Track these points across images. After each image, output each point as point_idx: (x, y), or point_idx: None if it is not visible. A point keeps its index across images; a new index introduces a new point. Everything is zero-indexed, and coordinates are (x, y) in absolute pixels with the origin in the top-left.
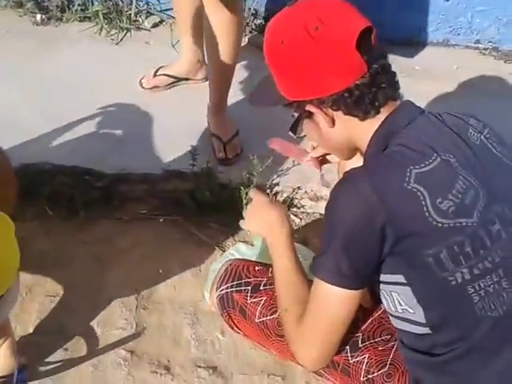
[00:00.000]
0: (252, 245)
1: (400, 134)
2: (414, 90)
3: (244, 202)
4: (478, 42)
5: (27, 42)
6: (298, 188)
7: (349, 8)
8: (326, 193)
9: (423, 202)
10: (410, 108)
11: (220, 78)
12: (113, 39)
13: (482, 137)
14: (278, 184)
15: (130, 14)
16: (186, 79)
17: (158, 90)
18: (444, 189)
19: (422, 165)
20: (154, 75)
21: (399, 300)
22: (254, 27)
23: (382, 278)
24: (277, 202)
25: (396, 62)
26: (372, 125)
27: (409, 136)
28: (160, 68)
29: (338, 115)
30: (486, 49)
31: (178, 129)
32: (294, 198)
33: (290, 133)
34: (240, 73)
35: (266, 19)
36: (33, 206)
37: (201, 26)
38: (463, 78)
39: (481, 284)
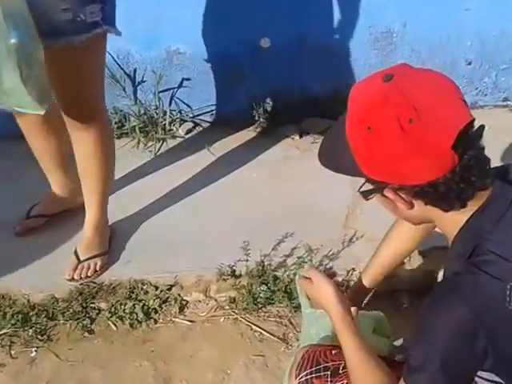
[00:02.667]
0: None
1: (490, 235)
2: None
3: (296, 279)
4: (506, 99)
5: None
6: (353, 269)
7: (449, 90)
8: None
9: None
10: (500, 199)
11: (101, 197)
12: (150, 151)
13: None
14: (331, 268)
15: (165, 124)
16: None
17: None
18: None
19: None
20: (27, 217)
21: None
22: None
23: (479, 373)
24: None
25: None
26: (457, 217)
27: (502, 239)
28: (32, 208)
29: (418, 203)
30: None
31: (226, 224)
32: (349, 280)
33: (360, 194)
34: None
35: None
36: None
37: (63, 161)
38: (497, 138)
39: None
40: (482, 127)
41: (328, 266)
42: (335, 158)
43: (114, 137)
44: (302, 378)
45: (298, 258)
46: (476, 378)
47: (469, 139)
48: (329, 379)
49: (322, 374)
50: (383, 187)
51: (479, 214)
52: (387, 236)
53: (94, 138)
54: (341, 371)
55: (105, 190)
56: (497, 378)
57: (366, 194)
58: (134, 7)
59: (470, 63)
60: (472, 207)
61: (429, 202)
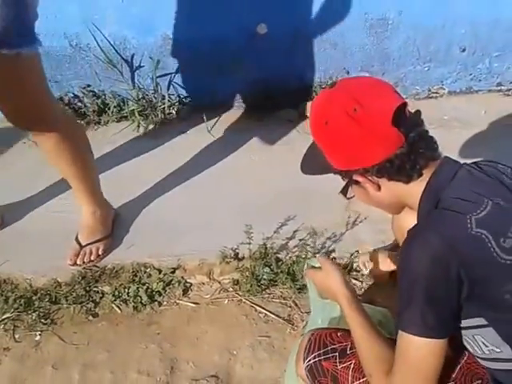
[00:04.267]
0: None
1: (448, 189)
2: (447, 139)
3: (304, 269)
4: (499, 84)
5: None
6: (357, 252)
7: (382, 86)
8: None
9: (489, 244)
10: (450, 164)
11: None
12: (151, 134)
13: None
14: (334, 250)
15: (164, 108)
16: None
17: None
18: (503, 228)
19: (478, 211)
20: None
21: (484, 342)
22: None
23: (464, 323)
24: (336, 268)
25: (424, 115)
26: (418, 185)
27: (457, 188)
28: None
29: (383, 181)
30: (509, 89)
31: (228, 208)
32: (352, 262)
33: (341, 195)
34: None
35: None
36: (99, 307)
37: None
38: (493, 121)
39: None
40: (418, 112)
41: (330, 249)
42: (312, 164)
43: (81, 128)
44: (310, 360)
45: (300, 240)
46: (467, 332)
47: (409, 121)
48: (337, 360)
49: (330, 355)
50: (351, 176)
51: (434, 176)
52: None
53: (55, 140)
54: (348, 352)
55: (88, 182)
56: (493, 348)
57: (344, 191)
58: None
59: (464, 50)
60: (428, 176)
61: (390, 176)
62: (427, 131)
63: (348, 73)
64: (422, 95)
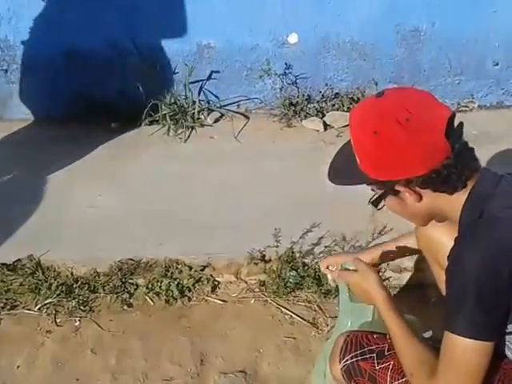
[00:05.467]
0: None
1: (493, 198)
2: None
3: (338, 271)
4: None
5: (106, 148)
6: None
7: (430, 98)
8: (408, 264)
9: None
10: (491, 175)
11: None
12: (180, 138)
13: None
14: None
15: (194, 113)
16: None
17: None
18: None
19: None
20: None
21: None
22: None
23: (510, 328)
24: (372, 270)
25: None
26: (461, 196)
27: (502, 197)
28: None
29: (426, 192)
30: None
31: (255, 211)
32: (378, 271)
33: (371, 205)
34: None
35: None
36: (133, 298)
37: None
38: None
39: None
40: (461, 124)
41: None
42: (343, 174)
43: None
44: (346, 361)
45: (326, 247)
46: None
47: (455, 131)
48: (375, 361)
49: (367, 356)
50: (393, 186)
51: (477, 186)
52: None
53: None
54: (386, 353)
55: None
56: None
57: (376, 202)
58: (167, 2)
59: (497, 64)
60: (470, 186)
61: (436, 187)
62: (468, 142)
63: (376, 84)
64: (452, 108)
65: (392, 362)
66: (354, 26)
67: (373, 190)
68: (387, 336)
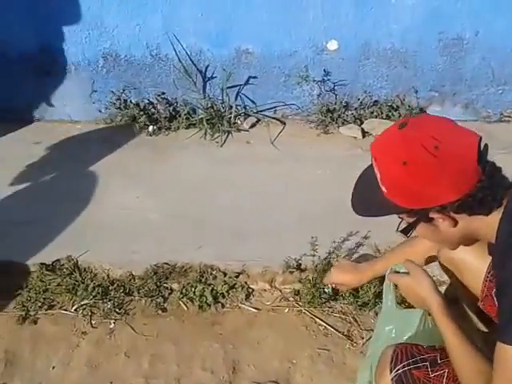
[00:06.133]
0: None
1: None
2: None
3: (387, 274)
4: None
5: (143, 151)
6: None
7: (452, 124)
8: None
9: None
10: None
11: None
12: (217, 142)
13: None
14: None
15: (230, 118)
16: None
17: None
18: None
19: None
20: None
21: None
22: None
23: None
24: (425, 274)
25: (494, 138)
26: (496, 215)
27: None
28: None
29: (461, 217)
30: None
31: (291, 218)
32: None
33: (400, 233)
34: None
35: None
36: (168, 302)
37: None
38: None
39: None
40: (486, 145)
41: None
42: (370, 205)
43: None
44: (398, 370)
45: (361, 256)
46: None
47: (483, 153)
48: (429, 369)
49: (420, 364)
50: (426, 214)
51: (510, 200)
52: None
53: None
54: (439, 361)
55: None
56: None
57: (407, 230)
58: (207, 7)
59: None
60: (504, 203)
61: (472, 211)
62: (495, 162)
63: (416, 92)
64: (494, 118)
65: (447, 370)
66: (396, 33)
67: (400, 217)
68: (437, 347)
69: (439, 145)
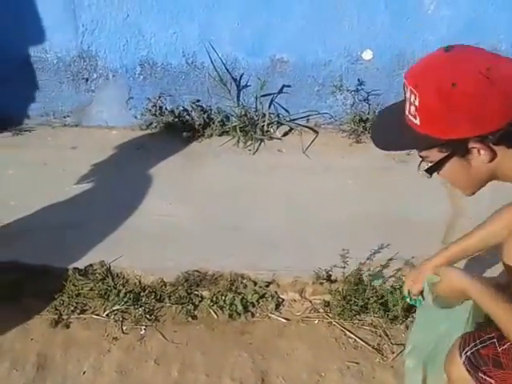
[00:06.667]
0: None
1: None
2: None
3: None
4: None
5: (177, 157)
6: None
7: (491, 52)
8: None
9: None
10: None
11: None
12: (249, 149)
13: None
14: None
15: (263, 126)
16: None
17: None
18: None
19: None
20: None
21: None
22: None
23: None
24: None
25: None
26: None
27: None
28: None
29: (500, 149)
30: None
31: (322, 229)
32: None
33: (425, 173)
34: None
35: None
36: (198, 310)
37: None
38: None
39: None
40: None
41: None
42: (396, 139)
43: None
44: (467, 352)
45: (395, 270)
46: None
47: None
48: (496, 345)
49: (488, 343)
50: (464, 145)
51: None
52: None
53: None
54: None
55: None
56: None
57: (433, 169)
58: (243, 17)
59: None
60: None
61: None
62: None
63: None
64: None
65: None
66: (430, 44)
67: (421, 156)
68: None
69: (491, 67)
